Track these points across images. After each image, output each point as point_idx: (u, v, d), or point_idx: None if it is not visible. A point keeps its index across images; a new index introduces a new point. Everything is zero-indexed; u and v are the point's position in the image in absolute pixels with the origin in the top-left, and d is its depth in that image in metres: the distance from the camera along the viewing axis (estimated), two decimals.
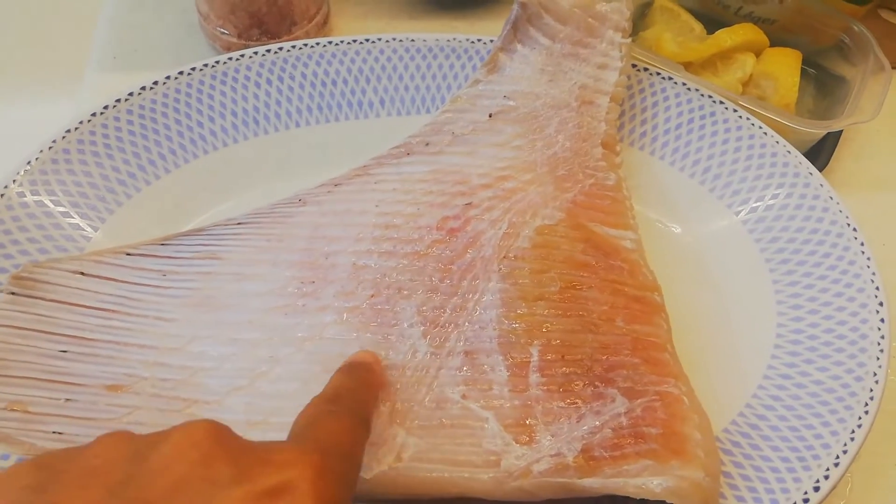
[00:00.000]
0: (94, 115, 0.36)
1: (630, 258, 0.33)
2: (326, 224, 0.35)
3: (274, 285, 0.33)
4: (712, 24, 0.45)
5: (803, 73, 0.43)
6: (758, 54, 0.42)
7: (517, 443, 0.28)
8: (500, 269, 0.33)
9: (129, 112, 0.37)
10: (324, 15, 0.45)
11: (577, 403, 0.29)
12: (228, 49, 0.43)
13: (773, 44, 0.43)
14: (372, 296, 0.32)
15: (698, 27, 0.45)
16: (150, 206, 0.36)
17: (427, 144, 0.38)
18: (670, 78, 0.39)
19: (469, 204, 0.35)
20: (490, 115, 0.38)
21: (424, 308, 0.32)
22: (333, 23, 0.46)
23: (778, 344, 0.33)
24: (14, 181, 0.34)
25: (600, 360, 0.30)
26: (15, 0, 0.54)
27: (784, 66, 0.40)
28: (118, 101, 0.36)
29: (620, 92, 0.38)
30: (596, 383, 0.29)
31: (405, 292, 0.32)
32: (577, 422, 0.28)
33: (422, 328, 0.31)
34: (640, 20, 0.46)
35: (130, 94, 0.37)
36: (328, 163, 0.38)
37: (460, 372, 0.30)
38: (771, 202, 0.36)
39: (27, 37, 0.53)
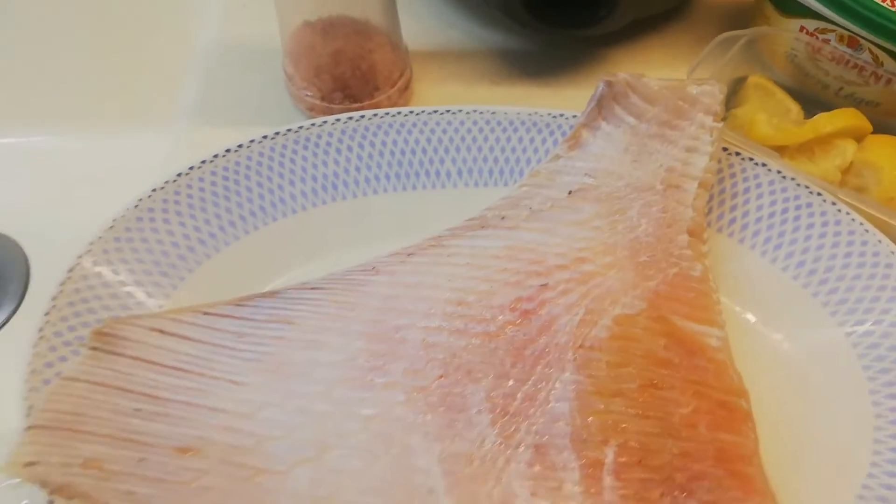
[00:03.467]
0: (179, 174, 0.37)
1: (716, 358, 0.31)
2: (398, 296, 0.35)
3: (343, 356, 0.33)
4: (810, 104, 0.44)
5: None
6: (859, 140, 0.40)
7: None
8: (576, 358, 0.31)
9: (213, 173, 0.37)
10: (406, 80, 0.45)
11: None
12: (311, 110, 0.44)
13: (875, 128, 0.41)
14: (440, 376, 0.32)
15: (795, 108, 0.43)
16: (228, 266, 0.37)
17: (503, 218, 0.37)
18: (763, 164, 0.38)
19: (544, 285, 0.34)
20: (569, 193, 0.37)
21: (494, 394, 0.31)
22: (414, 87, 0.47)
23: (872, 473, 0.30)
24: (91, 245, 0.35)
25: (680, 469, 0.28)
26: (110, 46, 0.56)
27: (888, 156, 0.38)
28: (203, 161, 0.37)
29: (710, 178, 0.36)
30: (675, 493, 0.28)
31: (475, 375, 0.32)
32: None
33: (490, 416, 0.30)
34: (731, 97, 0.44)
35: (216, 155, 0.37)
36: (403, 231, 0.38)
37: (530, 467, 0.29)
38: (870, 306, 0.34)
39: (119, 83, 0.55)
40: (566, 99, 0.46)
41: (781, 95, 0.44)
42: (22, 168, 0.50)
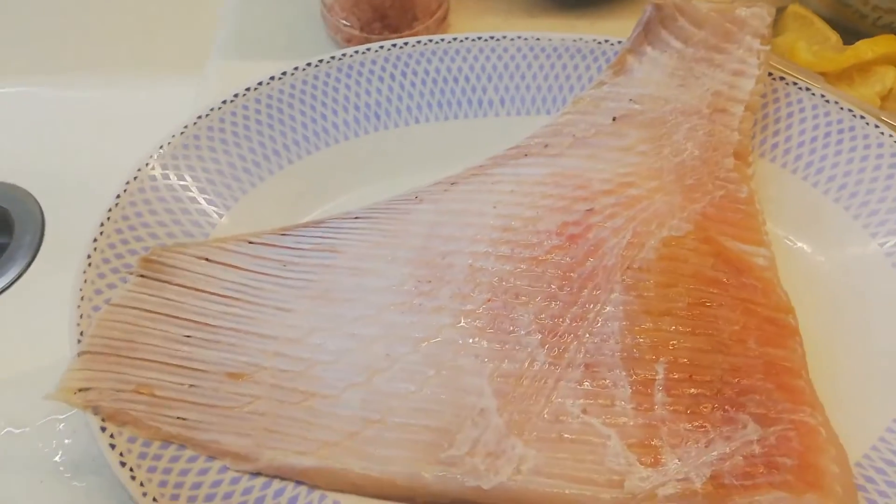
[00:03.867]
0: (224, 102, 0.37)
1: (763, 276, 0.32)
2: (443, 223, 0.35)
3: (390, 282, 0.33)
4: (847, 33, 0.43)
5: None
6: None
7: (641, 464, 0.27)
8: (624, 279, 0.32)
9: (258, 101, 0.37)
10: (444, 10, 0.44)
11: (705, 427, 0.28)
12: (349, 41, 0.43)
13: None
14: (489, 300, 0.32)
15: (834, 36, 0.42)
16: (273, 195, 0.37)
17: (546, 146, 0.37)
18: (807, 88, 0.37)
19: (590, 210, 0.34)
20: (614, 119, 0.37)
21: (542, 316, 0.31)
22: (451, 19, 0.46)
23: None
24: (147, 164, 0.35)
25: (731, 383, 0.29)
26: None
27: None
28: (248, 89, 0.37)
29: (756, 101, 0.36)
30: (726, 407, 0.28)
31: (522, 298, 0.32)
32: (706, 446, 0.27)
33: (539, 336, 0.31)
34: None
35: (259, 83, 0.37)
36: (445, 160, 0.38)
37: (580, 385, 0.29)
38: None
39: (151, 24, 0.54)
40: (603, 31, 0.45)
41: (820, 24, 0.43)
42: (38, 119, 0.49)
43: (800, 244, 0.36)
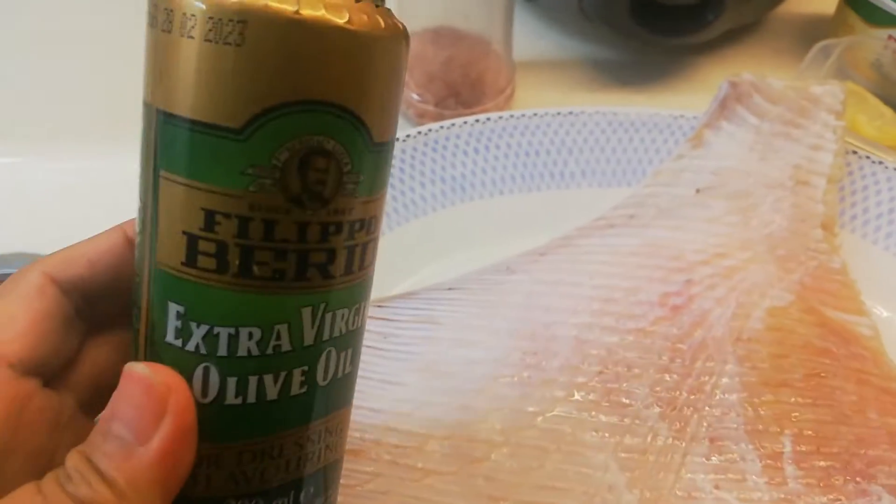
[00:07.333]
0: None
1: (870, 346, 0.32)
2: (540, 293, 0.35)
3: (495, 354, 0.33)
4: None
5: None
6: None
7: None
8: (736, 351, 0.32)
9: None
10: (512, 88, 0.46)
11: (840, 500, 0.28)
12: (422, 116, 0.44)
13: None
14: (600, 372, 0.32)
15: (888, 112, 0.44)
16: None
17: (631, 217, 0.38)
18: (881, 162, 0.39)
19: (689, 280, 0.35)
20: (697, 190, 0.38)
21: (658, 389, 0.31)
22: (517, 94, 0.47)
23: None
24: None
25: (858, 454, 0.29)
26: None
27: None
28: None
29: (837, 173, 0.37)
30: (857, 479, 0.28)
31: (635, 370, 0.32)
32: None
33: (658, 410, 0.31)
34: None
35: None
36: (529, 231, 0.38)
37: (708, 460, 0.29)
38: None
39: None
40: (661, 105, 0.46)
41: (874, 101, 0.45)
42: (49, 186, 0.46)
43: (888, 314, 0.37)
